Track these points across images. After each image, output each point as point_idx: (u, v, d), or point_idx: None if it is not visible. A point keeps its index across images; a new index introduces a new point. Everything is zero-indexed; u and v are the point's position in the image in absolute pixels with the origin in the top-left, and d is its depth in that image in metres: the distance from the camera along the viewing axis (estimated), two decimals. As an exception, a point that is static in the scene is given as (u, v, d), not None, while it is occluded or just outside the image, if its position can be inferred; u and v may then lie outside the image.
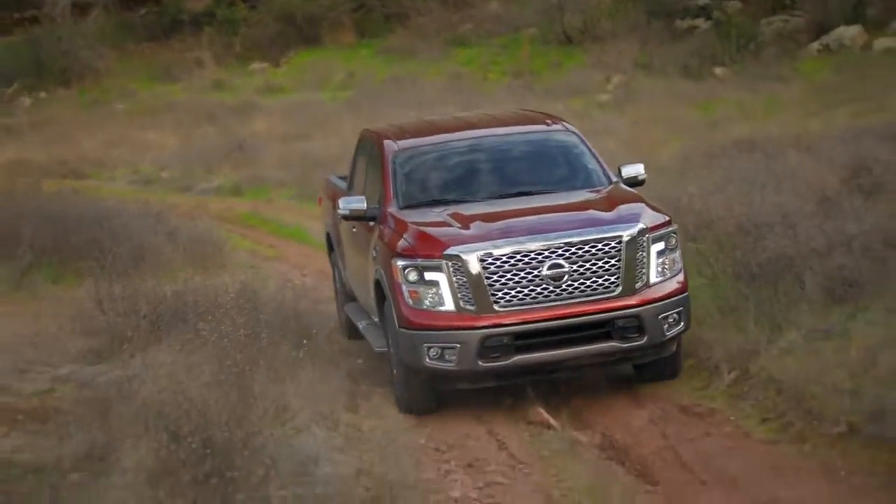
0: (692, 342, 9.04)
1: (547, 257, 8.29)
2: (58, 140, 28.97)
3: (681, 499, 6.55)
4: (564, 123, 10.35)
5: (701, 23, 32.29)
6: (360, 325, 10.04)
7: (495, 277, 8.29)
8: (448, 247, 8.38)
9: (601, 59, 30.25)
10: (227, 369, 7.83)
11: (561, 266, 8.27)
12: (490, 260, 8.29)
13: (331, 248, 11.65)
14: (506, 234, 8.46)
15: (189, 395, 6.97)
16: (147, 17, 40.44)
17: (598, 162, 9.80)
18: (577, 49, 32.14)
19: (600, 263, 8.33)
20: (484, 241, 8.38)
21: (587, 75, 29.15)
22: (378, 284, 8.97)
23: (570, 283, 8.29)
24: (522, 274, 8.29)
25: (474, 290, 8.28)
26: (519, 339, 8.29)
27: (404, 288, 8.47)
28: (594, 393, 8.91)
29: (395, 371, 8.85)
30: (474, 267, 8.27)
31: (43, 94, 36.62)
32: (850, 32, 29.13)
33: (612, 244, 8.35)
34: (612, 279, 8.35)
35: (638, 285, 8.41)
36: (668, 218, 8.77)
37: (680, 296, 8.56)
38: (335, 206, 10.12)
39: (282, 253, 16.73)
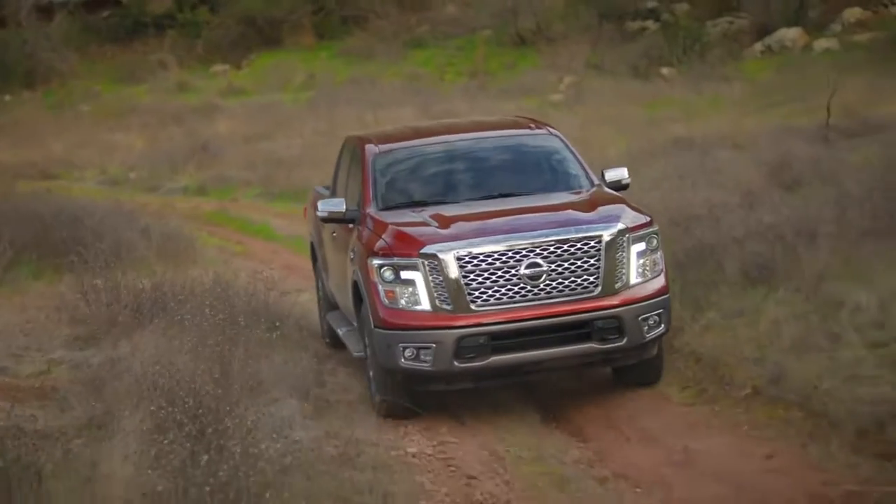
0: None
1: (525, 256, 8.20)
2: (25, 142, 29.63)
3: (608, 452, 7.56)
4: (549, 128, 10.26)
5: (650, 24, 33.42)
6: (341, 331, 10.01)
7: (472, 277, 8.18)
8: (424, 245, 8.30)
9: (554, 60, 31.32)
10: (209, 349, 8.77)
11: (539, 265, 8.17)
12: (467, 259, 8.19)
13: (315, 259, 11.74)
14: (483, 233, 8.38)
15: (177, 369, 7.91)
16: (110, 20, 41.08)
17: (582, 165, 9.71)
18: (531, 50, 33.23)
19: (579, 263, 8.23)
20: (461, 240, 8.30)
21: (540, 76, 30.20)
22: (356, 286, 8.92)
23: (548, 282, 8.18)
24: (500, 273, 8.19)
25: (451, 289, 8.18)
26: (496, 339, 8.16)
27: (380, 287, 8.40)
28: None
29: (371, 374, 8.82)
30: (451, 266, 8.17)
31: (7, 97, 37.22)
32: (791, 34, 30.34)
33: (592, 244, 8.26)
34: (592, 279, 8.24)
35: (618, 286, 8.30)
36: (649, 219, 8.68)
37: (661, 297, 8.45)
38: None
39: (249, 249, 17.56)
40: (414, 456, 7.63)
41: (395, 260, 8.38)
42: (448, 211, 8.88)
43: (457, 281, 8.17)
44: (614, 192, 9.34)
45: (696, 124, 20.56)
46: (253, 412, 7.29)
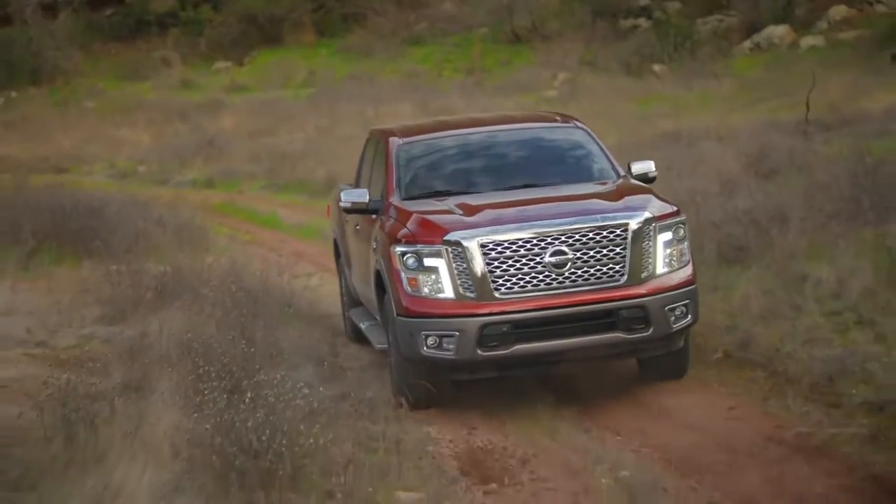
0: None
1: (550, 244, 8.07)
2: (34, 137, 30.53)
3: (593, 409, 8.44)
4: (575, 121, 10.19)
5: (642, 22, 34.30)
6: (363, 325, 9.99)
7: (496, 264, 8.08)
8: (448, 232, 8.20)
9: (548, 57, 32.19)
10: (232, 321, 9.67)
11: (564, 253, 8.04)
12: (491, 246, 8.09)
13: (338, 256, 11.70)
14: (507, 220, 8.27)
15: (207, 336, 8.82)
16: (113, 18, 41.95)
17: (608, 158, 9.61)
18: (526, 48, 34.11)
19: (605, 252, 8.10)
20: (485, 227, 8.20)
21: (535, 73, 31.08)
22: (378, 276, 8.84)
23: (573, 271, 8.06)
24: (524, 261, 8.08)
25: (474, 277, 8.07)
26: (519, 327, 8.05)
27: (403, 275, 8.30)
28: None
29: (392, 363, 8.73)
30: (475, 253, 8.07)
31: (14, 94, 38.08)
32: (778, 31, 31.21)
33: (618, 232, 8.12)
34: (617, 268, 8.11)
35: (644, 275, 8.15)
36: (676, 208, 8.57)
37: (687, 287, 8.31)
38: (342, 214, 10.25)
39: (257, 238, 18.43)
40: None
41: (419, 247, 8.27)
42: (473, 200, 8.75)
43: (480, 268, 8.05)
44: (640, 183, 9.21)
45: (684, 119, 21.40)
46: (278, 373, 8.15)
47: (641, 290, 8.14)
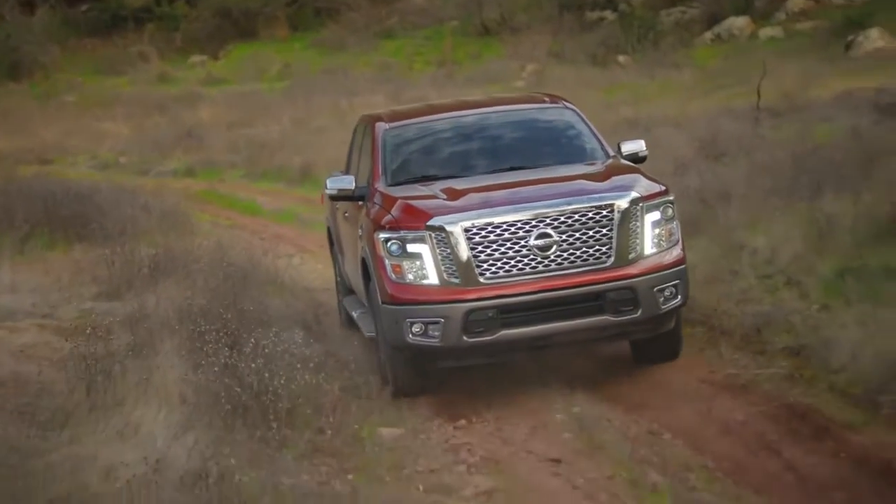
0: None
1: (535, 227, 7.96)
2: (17, 130, 31.19)
3: (552, 364, 9.40)
4: (564, 101, 10.04)
5: (608, 15, 35.31)
6: (355, 314, 9.85)
7: (480, 249, 7.97)
8: (431, 217, 8.10)
9: (517, 49, 33.14)
10: (224, 292, 10.61)
11: (549, 236, 7.94)
12: (475, 230, 7.98)
13: (332, 244, 11.69)
14: (491, 204, 8.16)
15: (203, 303, 9.77)
16: (89, 14, 42.61)
17: (598, 138, 9.51)
18: (495, 40, 35.07)
19: (591, 233, 7.99)
20: (469, 211, 8.09)
21: (504, 64, 32.01)
22: (364, 263, 8.79)
23: (559, 253, 7.95)
24: (509, 245, 7.97)
25: (459, 262, 7.96)
26: (505, 312, 7.94)
27: (387, 262, 8.20)
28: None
29: (381, 352, 8.69)
30: (459, 238, 7.96)
31: (-6, 89, 38.79)
32: (738, 23, 32.28)
33: (604, 213, 8.01)
34: (604, 249, 7.99)
35: (631, 256, 8.04)
36: (664, 188, 8.45)
37: (677, 268, 8.21)
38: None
39: (239, 223, 19.28)
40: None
41: (402, 233, 8.17)
42: (458, 184, 8.65)
43: (465, 254, 7.96)
44: (629, 163, 9.13)
45: (644, 107, 22.40)
46: (270, 333, 9.09)
47: (629, 271, 8.02)
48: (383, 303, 8.31)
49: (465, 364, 8.33)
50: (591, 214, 8.03)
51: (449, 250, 8.02)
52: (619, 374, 8.71)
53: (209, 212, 20.46)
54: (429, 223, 8.11)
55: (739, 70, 25.93)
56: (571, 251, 8.00)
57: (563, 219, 8.00)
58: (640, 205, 8.16)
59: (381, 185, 9.11)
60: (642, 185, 8.36)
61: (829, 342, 7.89)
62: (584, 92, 27.03)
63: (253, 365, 7.46)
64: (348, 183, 9.40)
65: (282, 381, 7.24)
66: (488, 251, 7.99)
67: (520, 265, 7.99)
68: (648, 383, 8.35)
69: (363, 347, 9.97)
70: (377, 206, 8.78)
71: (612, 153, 9.33)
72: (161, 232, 16.78)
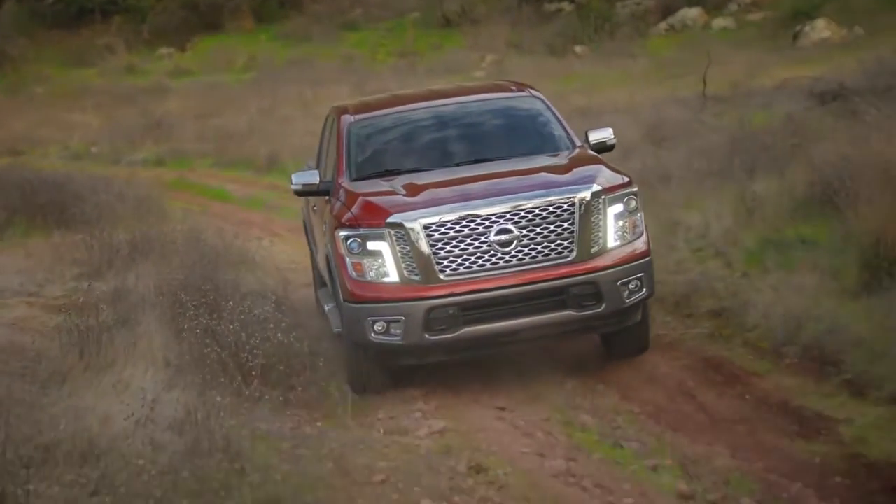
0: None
1: (494, 222, 7.90)
2: (-14, 122, 31.86)
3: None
4: (530, 90, 9.97)
5: (566, 6, 36.21)
6: (326, 307, 9.64)
7: (440, 245, 7.91)
8: (391, 214, 8.03)
9: (477, 40, 33.98)
10: (199, 269, 11.45)
11: (510, 231, 7.88)
12: (434, 227, 7.92)
13: (307, 234, 11.70)
14: (451, 200, 8.07)
15: (181, 278, 10.61)
16: (56, 7, 43.02)
17: (564, 127, 9.42)
18: (456, 31, 35.91)
19: (552, 227, 7.92)
20: (428, 207, 8.02)
21: (464, 55, 32.85)
22: (328, 260, 8.80)
23: (520, 249, 7.89)
24: (469, 241, 7.91)
25: (419, 259, 7.91)
26: (466, 310, 7.88)
27: (348, 260, 8.16)
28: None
29: (345, 348, 8.65)
30: (418, 235, 7.91)
31: (-38, 81, 39.26)
32: (692, 14, 33.26)
33: (565, 207, 7.93)
34: (566, 244, 7.92)
35: (594, 250, 7.96)
36: (627, 179, 8.34)
37: (641, 260, 8.15)
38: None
39: (210, 209, 20.03)
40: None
41: (362, 231, 8.12)
42: (420, 179, 8.57)
43: (425, 250, 7.90)
44: (594, 154, 9.04)
45: (598, 96, 23.31)
46: (245, 304, 9.93)
47: (592, 265, 7.96)
48: (345, 301, 8.29)
49: (429, 362, 8.26)
50: (551, 209, 7.95)
51: (409, 247, 7.96)
52: (562, 342, 9.55)
53: (181, 199, 21.17)
54: (388, 220, 8.04)
55: (691, 60, 26.74)
56: (533, 246, 7.93)
57: (523, 213, 7.93)
58: (603, 197, 8.06)
59: (344, 181, 9.02)
60: (605, 177, 8.25)
61: (746, 304, 8.86)
62: (542, 81, 27.73)
63: (231, 327, 8.30)
64: (312, 177, 9.35)
65: (257, 342, 8.07)
66: (448, 248, 7.93)
67: (480, 261, 7.92)
68: (587, 345, 9.23)
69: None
70: (340, 203, 8.69)
71: (578, 142, 9.24)
72: (136, 218, 17.51)
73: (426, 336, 7.96)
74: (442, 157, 9.17)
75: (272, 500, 5.79)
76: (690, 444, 6.76)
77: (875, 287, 8.10)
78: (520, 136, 9.40)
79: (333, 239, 8.39)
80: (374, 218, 8.17)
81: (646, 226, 8.42)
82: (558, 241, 7.96)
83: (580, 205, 7.98)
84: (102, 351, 8.80)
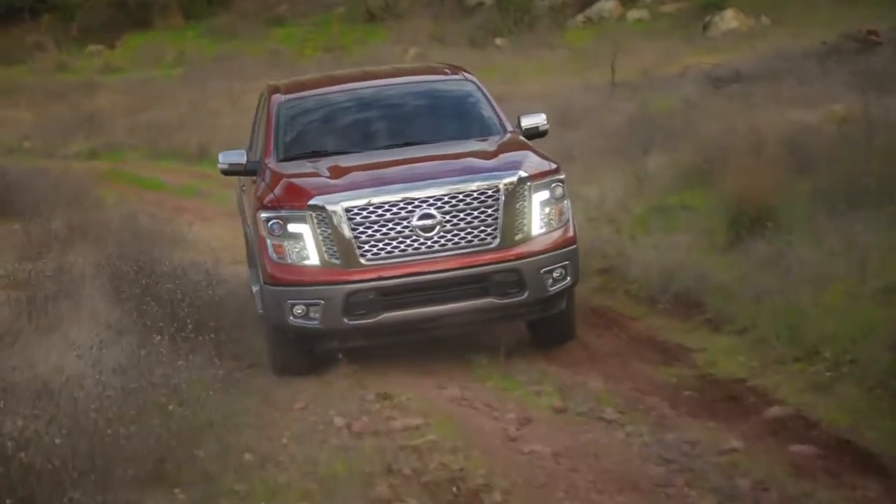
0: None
1: (417, 207, 7.82)
2: (-82, 119, 32.21)
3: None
4: (464, 72, 9.89)
5: (487, 0, 37.35)
6: (254, 288, 9.55)
7: (362, 229, 7.84)
8: (312, 197, 7.96)
9: (400, 34, 34.87)
10: (136, 245, 12.32)
11: (432, 216, 7.81)
12: (356, 210, 7.84)
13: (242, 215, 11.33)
14: (373, 183, 8.00)
15: (119, 254, 11.49)
16: (-17, 5, 43.43)
17: (495, 111, 9.36)
18: (380, 26, 36.81)
19: (475, 214, 7.85)
20: (350, 190, 7.96)
21: (388, 49, 33.70)
22: (252, 242, 8.78)
23: (442, 234, 7.83)
24: (391, 226, 7.84)
25: (340, 243, 7.83)
26: (387, 295, 7.82)
27: (269, 242, 8.09)
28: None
29: (267, 332, 8.60)
30: (340, 218, 7.84)
31: None
32: (608, 6, 34.42)
33: (489, 193, 7.87)
34: (489, 230, 7.87)
35: (518, 237, 7.92)
36: (554, 166, 8.29)
37: (566, 248, 8.11)
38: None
39: (144, 198, 20.75)
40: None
41: (283, 212, 8.05)
42: (346, 161, 8.50)
43: (346, 234, 7.84)
44: (523, 140, 8.96)
45: (516, 85, 24.33)
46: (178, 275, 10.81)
47: (514, 252, 7.92)
48: (265, 283, 8.26)
49: (349, 347, 8.18)
50: (475, 194, 7.89)
51: (330, 230, 7.90)
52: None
53: (115, 189, 21.86)
54: (310, 202, 7.97)
55: (606, 50, 27.97)
56: (455, 232, 7.87)
57: (446, 199, 7.87)
58: (528, 184, 8.02)
59: (271, 161, 8.96)
60: (531, 164, 8.21)
61: (629, 262, 9.94)
62: (464, 73, 29.02)
63: (167, 286, 9.21)
64: (240, 157, 9.31)
65: (190, 300, 8.98)
66: (370, 232, 7.88)
67: (402, 246, 7.88)
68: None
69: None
70: (264, 184, 8.64)
71: (510, 127, 9.19)
72: (72, 207, 18.25)
73: (345, 320, 7.90)
74: (371, 139, 9.11)
75: (205, 424, 6.70)
76: (570, 375, 7.78)
77: (738, 242, 9.22)
78: (450, 120, 9.33)
79: (255, 221, 8.35)
80: (295, 200, 8.10)
81: (573, 214, 8.40)
82: (481, 228, 7.90)
83: (504, 191, 7.92)
84: (49, 315, 9.66)
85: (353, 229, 7.87)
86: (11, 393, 7.27)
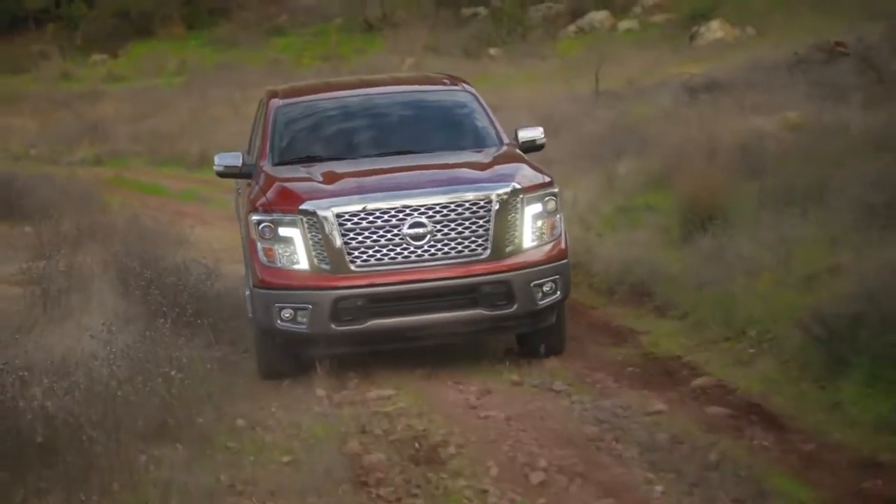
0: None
1: (408, 216, 7.81)
2: (-74, 126, 33.16)
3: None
4: (463, 84, 9.87)
5: (481, 10, 38.24)
6: (247, 292, 9.24)
7: (352, 235, 7.83)
8: (304, 201, 7.96)
9: (397, 44, 35.84)
10: (141, 245, 13.23)
11: (423, 225, 7.79)
12: (347, 216, 7.83)
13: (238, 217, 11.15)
14: (366, 190, 8.00)
15: (125, 252, 12.39)
16: (-12, 16, 44.44)
17: (493, 123, 9.36)
18: (377, 36, 37.80)
19: (466, 224, 7.83)
20: (342, 196, 7.94)
21: (385, 58, 34.59)
22: (244, 244, 8.73)
23: (433, 244, 7.81)
24: (381, 233, 7.83)
25: (330, 248, 7.82)
26: (375, 302, 7.81)
27: (259, 245, 8.09)
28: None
29: (255, 335, 8.59)
30: (331, 224, 7.83)
31: None
32: (599, 16, 35.38)
33: (481, 204, 7.85)
34: (480, 241, 7.85)
35: (509, 249, 7.90)
36: (548, 179, 8.27)
37: (556, 262, 8.09)
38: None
39: (147, 203, 21.59)
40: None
41: (275, 216, 8.05)
42: (340, 168, 8.49)
43: (336, 240, 7.83)
44: (519, 152, 8.95)
45: (505, 94, 25.16)
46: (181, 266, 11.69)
47: (505, 265, 7.90)
48: (254, 286, 8.28)
49: (336, 353, 8.19)
50: (467, 205, 7.88)
51: (321, 236, 7.89)
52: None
53: (119, 194, 22.73)
54: (301, 207, 7.98)
55: (596, 60, 29.00)
56: (446, 242, 7.86)
57: (438, 208, 7.86)
58: (521, 196, 8.00)
59: (266, 165, 9.00)
60: (524, 176, 8.20)
61: (594, 258, 10.82)
62: (457, 82, 29.88)
63: (170, 279, 10.11)
64: (235, 159, 9.29)
65: (192, 292, 9.87)
66: (360, 238, 7.85)
67: (392, 254, 7.86)
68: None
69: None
70: (257, 187, 8.66)
71: (506, 140, 9.19)
72: (78, 210, 19.12)
73: (333, 326, 7.90)
74: (366, 147, 9.11)
75: (204, 395, 7.56)
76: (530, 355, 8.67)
77: (689, 238, 10.10)
78: (447, 131, 9.33)
79: (247, 223, 8.37)
80: (287, 204, 8.10)
81: (565, 228, 8.41)
82: (472, 239, 7.88)
83: (496, 202, 7.90)
84: (62, 306, 10.55)
85: (344, 235, 7.87)
86: (32, 371, 8.18)
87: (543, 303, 8.03)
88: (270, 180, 8.55)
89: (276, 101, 9.65)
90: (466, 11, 38.28)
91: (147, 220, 16.59)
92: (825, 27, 25.76)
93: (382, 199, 7.91)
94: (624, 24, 34.57)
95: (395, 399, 7.62)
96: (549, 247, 8.11)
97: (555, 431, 6.68)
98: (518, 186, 8.01)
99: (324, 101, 9.77)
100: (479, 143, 9.10)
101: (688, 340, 8.37)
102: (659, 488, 5.69)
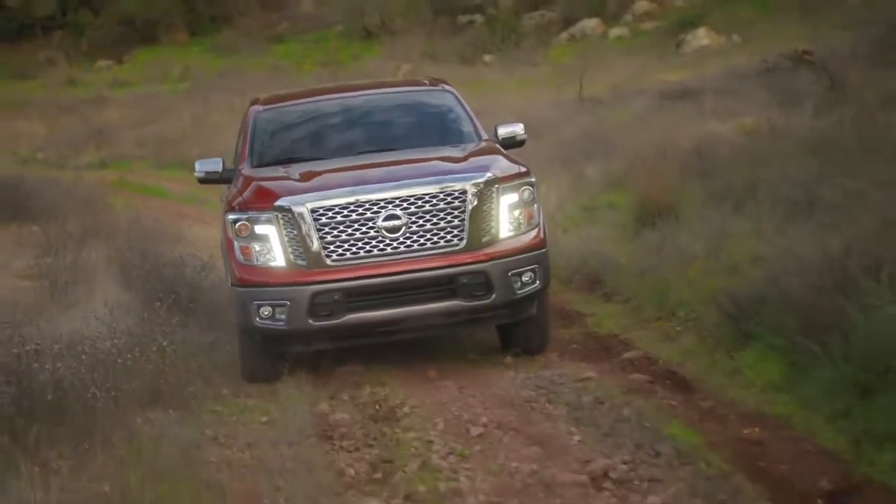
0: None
1: (383, 208, 7.82)
2: (-63, 131, 34.16)
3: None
4: (444, 84, 10.00)
5: (478, 18, 39.21)
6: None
7: (327, 230, 7.85)
8: (279, 198, 7.99)
9: (394, 50, 36.80)
10: (143, 242, 14.22)
11: (398, 218, 7.80)
12: (322, 211, 7.85)
13: None
14: (339, 184, 8.03)
15: (127, 248, 13.37)
16: (-4, 23, 45.47)
17: (472, 121, 9.42)
18: (375, 42, 38.75)
19: (441, 215, 7.85)
20: (316, 192, 7.98)
21: (382, 64, 35.52)
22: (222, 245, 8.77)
23: (408, 236, 7.83)
24: (356, 227, 7.84)
25: (305, 244, 7.84)
26: (352, 296, 7.82)
27: (236, 244, 8.13)
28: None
29: (237, 336, 8.62)
30: (305, 219, 7.85)
31: None
32: (591, 24, 36.26)
33: (456, 195, 7.87)
34: (455, 232, 7.88)
35: (485, 239, 7.91)
36: (523, 169, 8.29)
37: (534, 252, 8.10)
38: None
39: (149, 204, 22.55)
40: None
41: (250, 214, 8.07)
42: (317, 167, 8.55)
43: (312, 235, 7.86)
44: (497, 146, 8.99)
45: (496, 100, 26.09)
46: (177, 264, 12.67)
47: (481, 255, 7.92)
48: (233, 285, 8.33)
49: (315, 348, 8.32)
50: (441, 196, 7.91)
51: (296, 232, 7.91)
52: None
53: (123, 196, 23.68)
54: (276, 204, 8.01)
55: (588, 66, 29.85)
56: (421, 233, 7.89)
57: (412, 200, 7.88)
58: (496, 186, 8.01)
59: (245, 168, 9.09)
60: (500, 167, 8.22)
61: (558, 251, 11.76)
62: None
63: (168, 269, 11.09)
64: (216, 165, 9.48)
65: (189, 282, 10.84)
66: (335, 233, 7.88)
67: (368, 248, 7.88)
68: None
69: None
70: (235, 189, 8.73)
71: (485, 136, 9.25)
72: (83, 211, 20.10)
73: (310, 322, 7.91)
74: (344, 147, 9.16)
75: (200, 368, 8.50)
76: (489, 337, 9.60)
77: (640, 233, 11.07)
78: (425, 129, 9.36)
79: (224, 223, 8.42)
80: (262, 202, 8.13)
81: (543, 218, 8.44)
82: (448, 230, 7.91)
83: (471, 193, 7.91)
84: (69, 296, 11.54)
85: (319, 230, 7.89)
86: (43, 343, 9.15)
87: (522, 292, 8.07)
88: (248, 181, 8.64)
89: (255, 108, 9.86)
90: (463, 19, 39.20)
91: (148, 220, 17.58)
92: (809, 35, 26.71)
93: (356, 193, 7.94)
94: (615, 32, 35.41)
95: (363, 373, 8.56)
96: (526, 236, 8.14)
97: (498, 396, 7.65)
98: (493, 176, 8.04)
99: (303, 105, 9.90)
100: (457, 139, 9.16)
101: (626, 321, 9.40)
102: (577, 438, 6.68)
